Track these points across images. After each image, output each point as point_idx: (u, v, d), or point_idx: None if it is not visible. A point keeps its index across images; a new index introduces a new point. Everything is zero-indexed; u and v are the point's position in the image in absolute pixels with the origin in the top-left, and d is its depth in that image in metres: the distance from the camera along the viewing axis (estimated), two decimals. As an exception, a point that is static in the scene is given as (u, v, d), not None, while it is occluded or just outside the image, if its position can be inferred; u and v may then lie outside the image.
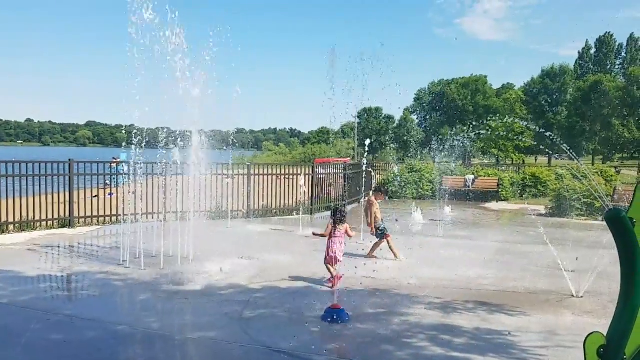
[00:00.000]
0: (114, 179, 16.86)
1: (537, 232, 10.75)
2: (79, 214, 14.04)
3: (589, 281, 8.02)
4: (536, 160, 63.86)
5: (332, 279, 8.39)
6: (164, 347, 5.97)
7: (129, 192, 11.74)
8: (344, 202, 19.03)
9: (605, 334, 3.36)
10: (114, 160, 18.97)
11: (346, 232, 8.71)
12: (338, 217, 8.67)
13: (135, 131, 10.02)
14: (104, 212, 14.45)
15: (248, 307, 7.19)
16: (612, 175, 23.49)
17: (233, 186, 15.78)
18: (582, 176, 24.32)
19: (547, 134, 7.46)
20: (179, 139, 10.82)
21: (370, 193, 22.68)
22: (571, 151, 8.90)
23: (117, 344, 5.90)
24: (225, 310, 7.09)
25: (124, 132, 10.73)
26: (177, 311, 7.14)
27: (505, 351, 5.72)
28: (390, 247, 10.50)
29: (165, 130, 10.92)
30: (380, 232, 10.54)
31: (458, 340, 6.08)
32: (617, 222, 3.17)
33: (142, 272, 9.05)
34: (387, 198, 12.40)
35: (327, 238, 8.65)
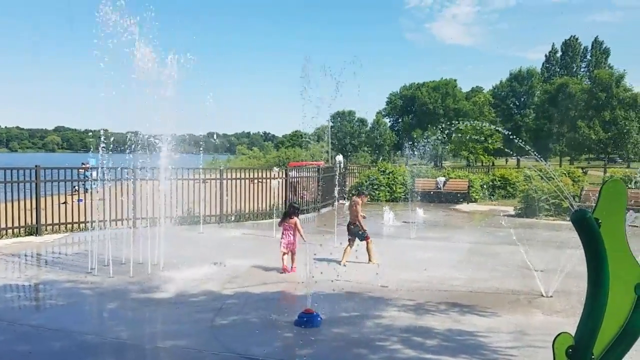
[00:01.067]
0: (82, 184, 16.49)
1: (506, 233, 10.89)
2: (46, 222, 13.66)
3: (558, 281, 8.13)
4: (507, 162, 65.05)
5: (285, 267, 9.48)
6: (133, 356, 5.82)
7: (98, 199, 11.47)
8: (318, 205, 19.02)
9: (573, 335, 3.39)
10: (83, 166, 18.54)
11: (295, 226, 9.56)
12: (288, 211, 9.84)
13: (101, 137, 9.82)
14: (72, 219, 14.09)
15: (220, 314, 7.07)
16: (579, 176, 24.01)
17: (205, 191, 15.58)
18: (549, 177, 24.84)
19: (513, 136, 7.56)
20: (150, 143, 10.65)
21: (344, 198, 22.75)
22: (534, 152, 9.06)
23: (85, 355, 5.74)
24: (196, 317, 6.96)
25: (91, 137, 10.52)
26: (147, 319, 6.97)
27: (477, 352, 5.75)
28: (368, 250, 10.47)
29: (135, 134, 10.74)
30: (361, 234, 10.50)
31: (430, 342, 6.09)
32: (583, 223, 3.20)
33: (110, 280, 8.83)
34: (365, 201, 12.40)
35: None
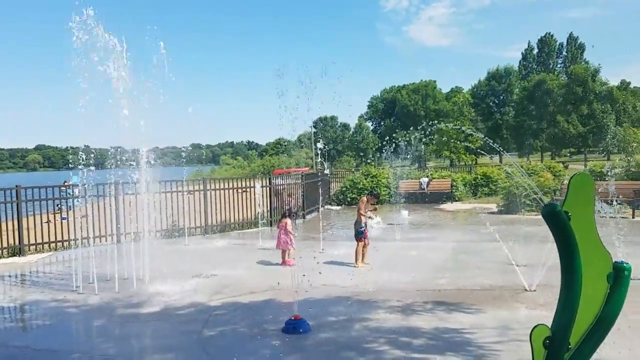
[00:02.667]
0: (65, 202, 16.33)
1: (489, 230, 11.02)
2: (29, 241, 13.51)
3: (541, 275, 8.25)
4: (492, 159, 65.50)
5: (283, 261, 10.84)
6: (121, 373, 5.78)
7: (81, 216, 11.39)
8: (303, 212, 19.04)
9: (550, 326, 3.47)
10: (65, 184, 18.36)
11: (285, 225, 10.96)
12: (284, 212, 11.68)
13: (80, 153, 9.75)
14: (56, 238, 13.95)
15: (208, 325, 7.06)
16: (559, 171, 24.39)
17: (190, 203, 15.52)
18: (528, 173, 25.14)
19: (485, 138, 7.68)
20: (132, 158, 10.61)
21: (329, 203, 22.76)
22: (502, 150, 9.21)
23: (72, 374, 5.68)
24: (184, 330, 6.94)
25: (73, 153, 10.44)
26: (134, 335, 6.93)
27: (463, 349, 5.82)
28: (356, 252, 10.53)
29: (118, 150, 10.69)
30: (358, 233, 10.58)
31: (417, 341, 6.14)
32: (553, 217, 3.29)
33: (96, 297, 8.76)
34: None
35: None
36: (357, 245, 10.56)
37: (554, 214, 3.26)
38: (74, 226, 12.40)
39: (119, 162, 10.55)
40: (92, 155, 10.36)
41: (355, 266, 10.42)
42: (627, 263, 3.49)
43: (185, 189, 15.88)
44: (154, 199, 11.79)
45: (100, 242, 13.54)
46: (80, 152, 9.97)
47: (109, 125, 10.64)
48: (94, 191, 13.17)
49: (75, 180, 14.31)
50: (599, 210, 8.35)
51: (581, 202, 3.36)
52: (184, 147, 15.27)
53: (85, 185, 10.55)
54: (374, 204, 11.24)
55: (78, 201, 12.14)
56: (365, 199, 11.07)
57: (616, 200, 17.04)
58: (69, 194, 15.03)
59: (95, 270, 9.40)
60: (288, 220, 11.12)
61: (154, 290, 8.98)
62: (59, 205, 16.37)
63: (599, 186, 10.58)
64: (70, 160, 10.23)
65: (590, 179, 3.48)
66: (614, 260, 3.47)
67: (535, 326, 3.40)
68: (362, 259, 10.56)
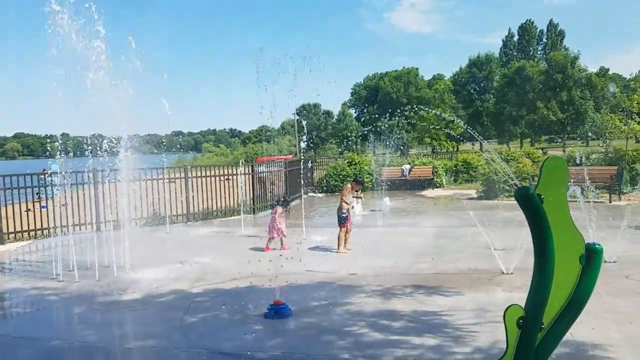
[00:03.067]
0: (44, 191, 16.10)
1: (469, 215, 11.15)
2: (8, 230, 13.32)
3: (518, 258, 8.37)
4: (473, 145, 66.17)
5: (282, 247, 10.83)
6: (101, 359, 5.77)
7: (61, 204, 11.25)
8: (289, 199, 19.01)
9: (523, 306, 3.54)
10: (44, 172, 18.09)
11: (275, 213, 11.02)
12: (277, 200, 12.03)
13: (59, 142, 9.62)
14: (35, 226, 13.77)
15: (189, 312, 7.05)
16: (538, 157, 24.66)
17: (171, 191, 15.42)
18: (507, 160, 25.40)
19: (465, 125, 7.76)
20: (113, 146, 10.49)
21: (313, 190, 22.80)
22: (479, 137, 9.31)
23: (51, 361, 5.66)
24: (165, 316, 6.93)
25: (52, 142, 10.28)
26: (114, 322, 6.91)
27: (441, 330, 5.91)
28: (339, 237, 10.60)
29: (97, 137, 10.56)
30: (340, 219, 10.62)
31: (396, 324, 6.22)
32: (526, 200, 3.32)
33: (76, 284, 8.69)
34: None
35: None
36: (340, 231, 10.61)
37: (526, 196, 3.30)
38: (54, 214, 12.25)
39: (98, 150, 10.43)
40: (71, 143, 10.23)
41: (337, 252, 10.48)
42: (599, 244, 3.55)
43: (167, 176, 15.75)
44: (135, 187, 11.70)
45: (80, 230, 13.39)
46: (59, 140, 9.84)
47: (88, 113, 10.50)
48: (74, 179, 13.03)
49: (55, 168, 14.14)
50: (575, 196, 8.52)
51: (554, 185, 3.40)
52: (165, 134, 15.15)
53: (65, 173, 10.42)
54: (357, 191, 11.31)
55: (58, 189, 12.00)
56: (349, 185, 11.14)
57: (594, 185, 17.42)
58: (49, 182, 14.83)
59: (76, 258, 9.32)
60: (279, 209, 11.11)
61: (135, 277, 8.94)
62: (39, 194, 16.16)
63: (574, 172, 10.76)
64: (50, 149, 10.09)
65: (563, 162, 3.53)
66: (586, 242, 3.53)
67: (509, 306, 3.46)
68: (345, 244, 10.62)
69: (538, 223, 3.36)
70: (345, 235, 10.64)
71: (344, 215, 10.59)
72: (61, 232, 11.09)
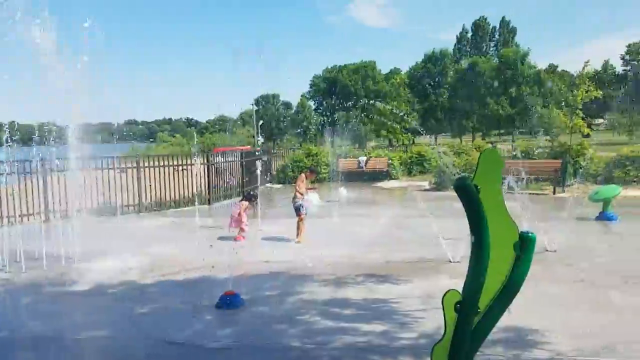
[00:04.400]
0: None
1: (421, 206, 11.42)
2: (-50, 221, 12.75)
3: (464, 247, 8.64)
4: (430, 137, 67.24)
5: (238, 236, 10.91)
6: (47, 350, 5.64)
7: (9, 193, 10.88)
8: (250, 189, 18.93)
9: (461, 292, 3.70)
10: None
11: (241, 206, 11.08)
12: (244, 194, 12.19)
13: (5, 129, 9.29)
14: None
15: (140, 303, 6.98)
16: (488, 150, 25.36)
17: (122, 180, 15.07)
18: (459, 152, 25.98)
19: (415, 124, 7.96)
20: (62, 134, 10.20)
21: (270, 182, 22.75)
22: (423, 131, 9.56)
23: (-4, 354, 5.50)
24: (115, 307, 6.84)
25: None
26: (63, 312, 6.77)
27: (389, 317, 6.07)
28: (298, 226, 10.68)
29: (46, 125, 10.24)
30: (296, 208, 10.69)
31: (347, 311, 6.35)
32: (463, 189, 3.48)
33: (24, 275, 8.45)
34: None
35: None
36: (298, 219, 10.68)
37: (464, 186, 3.45)
38: (0, 204, 11.81)
39: (47, 139, 10.12)
40: (18, 132, 9.90)
41: (297, 241, 10.55)
42: (532, 233, 3.74)
43: (118, 166, 15.39)
44: (85, 176, 11.41)
45: (29, 220, 12.95)
46: (5, 128, 9.51)
47: (37, 100, 10.17)
48: (21, 168, 12.59)
49: (1, 157, 13.60)
50: (513, 187, 8.86)
51: (490, 175, 3.56)
52: (117, 123, 14.78)
53: (12, 162, 10.06)
54: (313, 181, 11.38)
55: (4, 178, 11.58)
56: (303, 175, 11.21)
57: (540, 178, 18.10)
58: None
59: (23, 249, 9.03)
60: (245, 203, 11.24)
61: (85, 268, 8.75)
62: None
63: (512, 165, 11.15)
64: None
65: (499, 155, 3.70)
66: (520, 231, 3.71)
67: (447, 291, 3.62)
68: (298, 232, 10.70)
69: (475, 212, 3.51)
70: (300, 223, 10.72)
71: (298, 204, 10.65)
72: (8, 222, 10.73)
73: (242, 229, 11.00)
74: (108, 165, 15.08)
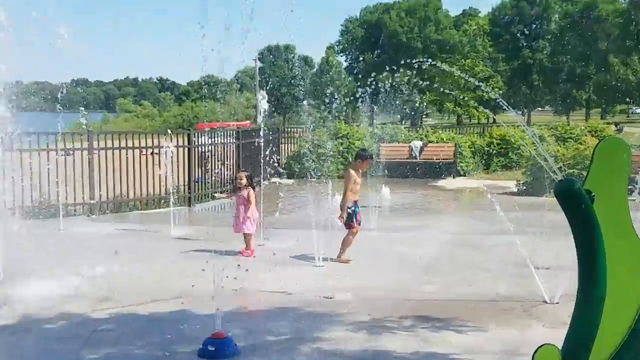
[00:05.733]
0: None
1: (503, 218, 11.38)
2: None
3: (567, 281, 8.56)
4: (529, 116, 65.73)
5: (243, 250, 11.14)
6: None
7: None
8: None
9: (560, 347, 3.72)
10: None
11: (248, 198, 11.24)
12: (235, 183, 11.96)
13: None
14: None
15: (89, 345, 7.11)
16: (610, 135, 25.04)
17: (67, 168, 15.30)
18: (568, 137, 25.73)
19: (498, 97, 7.84)
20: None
21: (278, 174, 22.86)
22: (509, 105, 9.43)
23: None
24: (54, 350, 6.99)
25: None
26: (-21, 357, 6.96)
27: (452, 381, 6.11)
28: (344, 241, 10.89)
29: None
30: (347, 219, 10.79)
31: (389, 371, 6.40)
32: (569, 197, 3.48)
33: None
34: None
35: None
36: (348, 234, 10.88)
37: (570, 192, 3.45)
38: None
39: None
40: None
41: (342, 260, 10.84)
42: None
43: (61, 147, 15.62)
44: (12, 161, 11.62)
45: None
46: None
47: None
48: None
49: None
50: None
51: (610, 177, 3.54)
52: (62, 83, 14.96)
53: None
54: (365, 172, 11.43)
55: None
56: (352, 171, 11.01)
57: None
58: None
59: None
60: (251, 191, 11.39)
61: (13, 293, 8.95)
62: None
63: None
64: None
65: (625, 145, 3.67)
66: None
67: (540, 346, 3.64)
68: (343, 252, 10.92)
69: (585, 230, 3.52)
70: (347, 241, 10.91)
71: (350, 211, 10.70)
72: None
73: (248, 238, 11.18)
74: (47, 145, 15.30)
